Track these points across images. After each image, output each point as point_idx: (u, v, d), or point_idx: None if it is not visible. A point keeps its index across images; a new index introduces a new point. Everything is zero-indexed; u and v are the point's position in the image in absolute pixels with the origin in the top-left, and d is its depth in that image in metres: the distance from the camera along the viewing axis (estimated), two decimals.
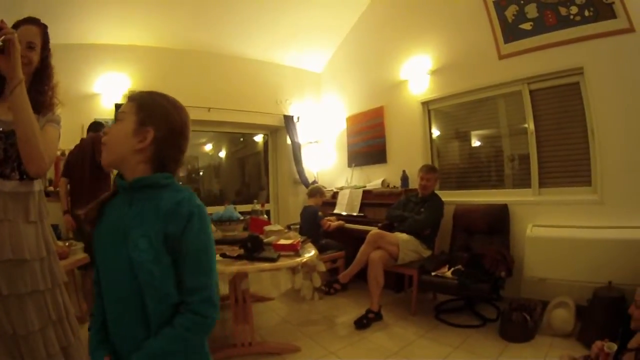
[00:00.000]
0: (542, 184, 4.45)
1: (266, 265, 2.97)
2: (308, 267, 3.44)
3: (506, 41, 4.58)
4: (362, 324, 3.84)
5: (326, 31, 6.67)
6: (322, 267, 3.52)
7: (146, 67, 5.60)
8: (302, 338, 3.62)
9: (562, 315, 3.58)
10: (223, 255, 3.06)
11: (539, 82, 4.44)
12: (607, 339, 2.27)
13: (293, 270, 3.52)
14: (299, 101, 7.20)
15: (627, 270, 3.33)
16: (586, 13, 4.01)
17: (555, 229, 4.02)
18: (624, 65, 3.80)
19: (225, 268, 2.86)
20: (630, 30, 3.76)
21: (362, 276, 4.25)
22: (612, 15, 3.86)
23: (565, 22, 4.14)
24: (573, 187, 4.24)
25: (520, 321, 3.47)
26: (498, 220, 4.44)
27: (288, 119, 6.88)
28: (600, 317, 3.26)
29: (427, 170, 4.64)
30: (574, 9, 4.08)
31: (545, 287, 3.90)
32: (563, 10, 4.15)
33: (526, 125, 4.55)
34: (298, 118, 7.04)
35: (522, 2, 4.43)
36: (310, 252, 3.34)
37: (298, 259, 3.14)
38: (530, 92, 4.50)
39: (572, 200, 4.13)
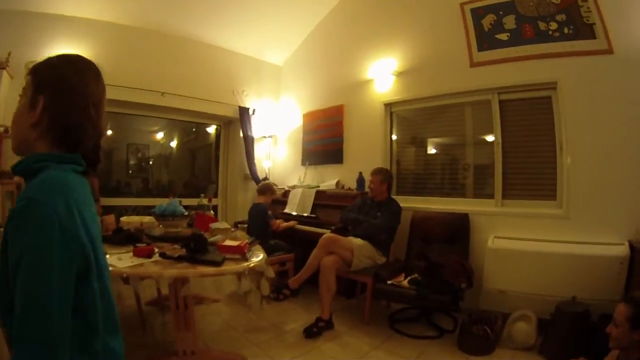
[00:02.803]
0: (505, 196, 4.43)
1: (209, 269, 2.65)
2: (255, 273, 3.15)
3: (480, 49, 4.53)
4: (312, 332, 3.63)
5: (292, 23, 6.46)
6: (271, 273, 3.24)
7: (101, 43, 5.14)
8: (248, 346, 3.40)
9: (523, 329, 3.55)
10: (163, 255, 2.75)
11: (510, 93, 4.42)
12: (582, 357, 2.27)
13: (239, 275, 3.22)
14: (256, 93, 6.95)
15: (591, 285, 3.37)
16: (565, 30, 4.05)
17: (517, 242, 3.99)
18: (599, 84, 3.88)
19: (164, 271, 2.53)
20: (609, 52, 3.85)
21: (313, 280, 4.06)
22: (592, 35, 3.93)
23: (543, 37, 4.16)
24: (538, 200, 4.25)
25: (481, 334, 3.39)
26: (458, 230, 4.38)
27: (243, 111, 6.61)
28: (563, 332, 3.26)
29: (373, 172, 4.50)
30: (554, 25, 4.11)
31: (506, 299, 3.86)
32: (542, 25, 4.17)
33: (491, 136, 4.52)
34: (254, 111, 6.78)
35: (501, 12, 4.40)
36: (258, 256, 3.03)
37: (245, 264, 2.82)
38: (500, 102, 4.47)
39: (537, 214, 4.14)
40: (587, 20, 3.93)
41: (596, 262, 3.51)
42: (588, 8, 3.92)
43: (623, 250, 3.52)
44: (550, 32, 4.12)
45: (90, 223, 1.03)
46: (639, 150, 3.72)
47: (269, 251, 4.40)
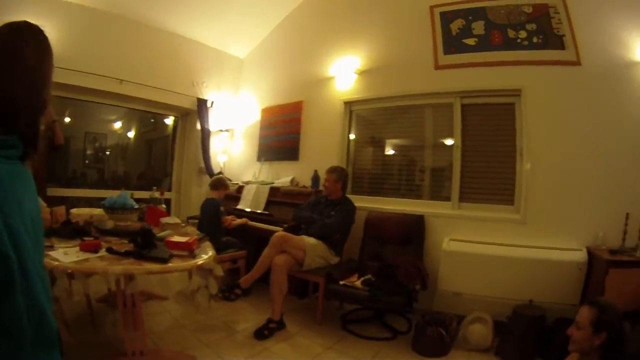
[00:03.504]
0: (462, 199, 4.45)
1: (155, 267, 2.51)
2: (204, 271, 3.02)
3: (446, 52, 4.54)
4: (262, 334, 3.52)
5: (258, 16, 6.31)
6: (220, 272, 3.11)
7: (59, 23, 4.83)
8: (199, 346, 3.27)
9: (479, 331, 3.57)
10: (109, 251, 2.60)
11: (474, 97, 4.45)
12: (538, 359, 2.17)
13: (190, 272, 3.08)
14: (216, 85, 6.79)
15: (548, 290, 3.43)
16: (535, 39, 4.12)
17: (473, 245, 4.01)
18: (564, 94, 4.00)
19: (110, 267, 2.37)
20: (577, 63, 3.95)
21: (265, 279, 3.95)
22: (561, 46, 4.02)
23: (511, 44, 4.21)
24: (495, 204, 4.29)
25: (436, 336, 3.39)
26: (413, 231, 4.37)
27: (201, 103, 6.45)
28: (520, 334, 3.30)
29: (328, 170, 4.45)
30: (523, 34, 4.17)
31: (461, 302, 3.88)
32: (511, 33, 4.22)
33: (451, 139, 4.54)
34: (212, 103, 6.63)
35: (470, 18, 4.42)
36: (207, 254, 2.90)
37: (192, 262, 2.70)
38: (463, 106, 4.49)
39: (494, 218, 4.19)
40: (558, 31, 4.01)
41: (554, 267, 3.58)
42: (559, 20, 4.01)
43: (581, 255, 3.60)
44: (519, 40, 4.18)
45: (16, 226, 0.84)
46: (599, 160, 3.83)
47: (220, 248, 4.34)
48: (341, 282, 3.85)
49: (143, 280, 3.40)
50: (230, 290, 4.17)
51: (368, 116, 5.39)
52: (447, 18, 4.54)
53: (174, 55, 6.15)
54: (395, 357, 3.34)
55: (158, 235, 2.96)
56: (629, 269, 3.22)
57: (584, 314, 2.09)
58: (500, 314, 3.56)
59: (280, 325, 3.69)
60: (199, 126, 6.50)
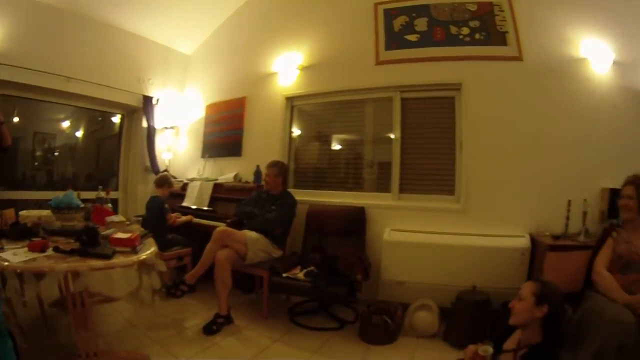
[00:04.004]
0: (403, 190, 4.55)
1: (99, 263, 2.54)
2: (146, 267, 3.02)
3: (387, 48, 4.62)
4: (211, 330, 3.53)
5: (206, 12, 6.25)
6: (163, 267, 3.11)
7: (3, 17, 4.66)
8: (150, 345, 3.25)
9: (425, 317, 3.67)
10: (56, 249, 2.62)
11: (414, 91, 4.55)
12: (480, 343, 2.24)
13: (142, 269, 3.07)
14: (162, 82, 6.66)
15: (493, 275, 3.54)
16: (477, 36, 4.26)
17: (415, 234, 4.12)
18: (505, 88, 4.20)
19: (56, 265, 2.41)
20: (518, 59, 4.14)
21: (210, 275, 3.93)
22: (503, 42, 4.19)
23: (453, 41, 4.34)
24: (436, 194, 4.42)
25: (381, 324, 3.46)
26: (354, 223, 4.46)
27: (147, 100, 6.32)
28: (465, 319, 3.41)
29: (268, 165, 4.47)
30: (466, 30, 4.30)
31: (405, 290, 3.96)
32: (454, 29, 4.34)
33: (392, 133, 4.63)
34: (157, 100, 6.51)
35: (413, 14, 4.53)
36: (149, 249, 2.94)
37: (135, 257, 2.74)
38: (403, 100, 4.59)
39: (434, 207, 4.33)
40: (501, 28, 4.17)
41: (497, 253, 3.73)
42: (504, 17, 4.17)
43: (524, 242, 3.78)
44: (461, 37, 4.31)
45: None
46: (538, 151, 4.05)
47: (166, 246, 4.36)
48: (284, 275, 3.90)
49: (92, 279, 3.39)
50: (176, 287, 4.16)
51: (314, 112, 5.43)
52: (390, 14, 4.63)
53: (121, 52, 6.00)
54: (343, 346, 3.40)
55: (102, 233, 2.97)
56: (566, 252, 3.35)
57: (527, 287, 2.20)
58: (446, 300, 3.66)
59: (228, 320, 3.69)
60: (144, 124, 6.38)
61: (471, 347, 2.25)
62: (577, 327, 2.41)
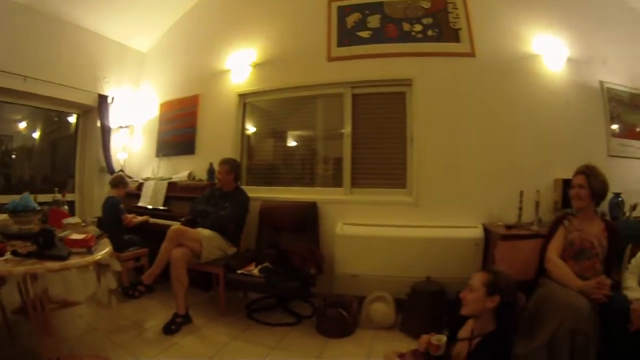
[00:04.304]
0: (355, 185, 4.64)
1: (55, 264, 2.57)
2: (102, 267, 3.02)
3: (340, 45, 4.68)
4: (170, 330, 3.54)
5: (162, 8, 6.17)
6: (118, 267, 3.12)
7: None
8: (112, 348, 3.25)
9: (381, 309, 3.76)
10: (14, 253, 2.62)
11: (365, 87, 4.63)
12: (433, 332, 2.29)
13: (98, 270, 3.06)
14: (117, 81, 6.52)
15: (447, 266, 3.63)
16: (430, 32, 4.37)
17: (367, 228, 4.19)
18: (455, 84, 4.35)
19: (13, 268, 2.42)
20: (471, 55, 4.29)
21: (168, 275, 3.92)
22: (456, 39, 4.32)
23: (405, 37, 4.44)
24: (388, 188, 4.52)
25: (337, 317, 3.55)
26: (306, 218, 4.52)
27: (102, 99, 6.20)
28: (421, 309, 3.53)
29: (220, 162, 4.50)
30: (418, 27, 4.41)
31: (360, 283, 4.04)
32: (406, 26, 4.44)
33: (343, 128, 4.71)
34: (112, 99, 6.39)
35: (367, 12, 4.60)
36: (104, 249, 2.96)
37: (90, 257, 2.77)
38: (354, 96, 4.67)
39: (386, 201, 4.43)
40: (454, 25, 4.29)
41: (451, 244, 3.84)
42: (457, 15, 4.29)
43: (477, 232, 3.90)
44: (413, 33, 4.40)
45: None
46: (491, 144, 4.23)
47: (123, 247, 4.36)
48: (239, 272, 3.93)
49: (50, 283, 3.41)
50: (134, 287, 4.11)
51: (267, 109, 5.45)
52: (344, 12, 4.69)
53: (77, 49, 5.85)
54: (301, 341, 3.47)
55: (59, 235, 2.98)
56: (517, 241, 3.48)
57: (477, 277, 2.21)
58: (401, 292, 3.76)
59: (187, 319, 3.71)
60: (99, 123, 6.25)
61: (425, 337, 2.28)
62: (531, 314, 2.51)
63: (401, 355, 2.31)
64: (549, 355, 2.27)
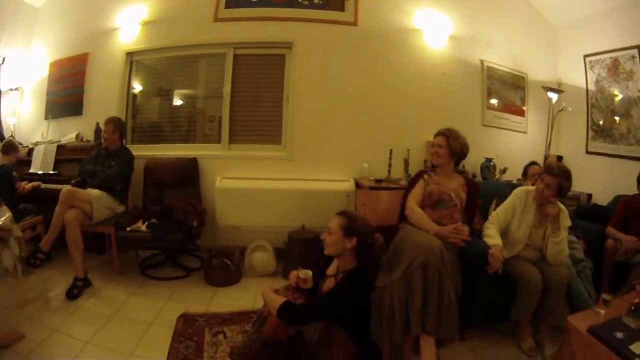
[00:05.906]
0: (233, 141, 4.92)
1: None
2: (3, 232, 3.05)
3: (227, 6, 4.82)
4: (73, 294, 3.62)
5: None
6: (19, 232, 3.14)
7: None
8: (24, 322, 3.24)
9: (262, 258, 4.18)
10: None
11: (247, 48, 4.85)
12: (300, 268, 2.61)
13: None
14: (9, 40, 6.03)
15: (321, 216, 3.79)
16: (316, 0, 4.65)
17: (245, 181, 4.53)
18: (334, 49, 4.74)
19: None
20: (353, 24, 4.66)
21: (65, 242, 3.92)
22: (341, 8, 4.65)
23: (291, 3, 4.73)
24: (264, 144, 4.88)
25: (222, 266, 3.91)
26: (188, 174, 4.75)
27: None
28: (298, 256, 3.92)
29: (105, 121, 4.46)
30: None
31: (241, 234, 4.41)
32: None
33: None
34: (3, 59, 5.96)
35: None
36: (3, 215, 2.97)
37: None
38: (236, 56, 4.86)
39: (263, 156, 4.80)
40: None
41: (324, 196, 4.27)
42: None
43: (349, 185, 4.39)
44: (300, 0, 4.67)
45: None
46: (367, 107, 4.74)
47: (18, 216, 4.15)
48: (128, 229, 4.08)
49: None
50: (34, 256, 4.06)
51: (154, 67, 5.41)
52: None
53: None
54: (191, 291, 3.83)
55: None
56: (376, 191, 3.93)
57: (334, 221, 2.48)
58: (280, 241, 4.16)
59: (87, 282, 3.81)
60: None
61: (294, 272, 2.60)
62: (392, 253, 2.84)
63: (276, 291, 2.53)
64: (406, 286, 2.53)
